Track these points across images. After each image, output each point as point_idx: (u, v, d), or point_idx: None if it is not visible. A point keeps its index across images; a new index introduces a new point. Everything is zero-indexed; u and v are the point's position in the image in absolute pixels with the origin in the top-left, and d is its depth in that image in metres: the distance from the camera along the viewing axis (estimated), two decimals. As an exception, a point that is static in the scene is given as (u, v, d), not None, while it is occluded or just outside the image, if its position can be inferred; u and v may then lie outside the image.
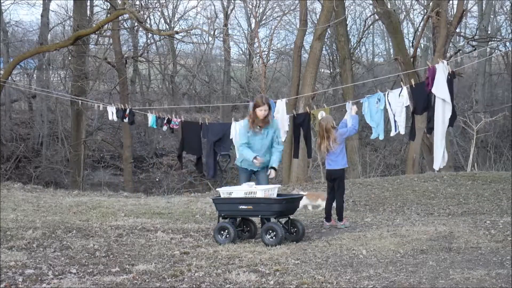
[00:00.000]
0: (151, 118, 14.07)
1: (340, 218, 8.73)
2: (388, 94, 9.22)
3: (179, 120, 13.07)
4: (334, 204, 8.81)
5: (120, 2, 17.42)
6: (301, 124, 10.52)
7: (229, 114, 29.22)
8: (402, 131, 9.20)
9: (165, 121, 13.83)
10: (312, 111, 10.52)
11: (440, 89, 8.29)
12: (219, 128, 11.10)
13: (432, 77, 8.42)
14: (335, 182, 8.81)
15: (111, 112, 14.84)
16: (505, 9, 29.99)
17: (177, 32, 21.41)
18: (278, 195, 7.86)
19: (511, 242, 7.04)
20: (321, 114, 10.13)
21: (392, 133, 9.46)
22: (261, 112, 8.01)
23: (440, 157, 8.44)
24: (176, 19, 31.11)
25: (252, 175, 8.33)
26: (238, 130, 10.46)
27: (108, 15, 21.94)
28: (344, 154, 8.77)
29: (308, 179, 17.08)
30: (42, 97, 26.16)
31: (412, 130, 9.65)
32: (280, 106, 11.04)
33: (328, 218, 8.82)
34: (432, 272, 5.79)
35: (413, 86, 8.94)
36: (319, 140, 8.72)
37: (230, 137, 10.94)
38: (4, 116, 26.18)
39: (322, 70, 29.58)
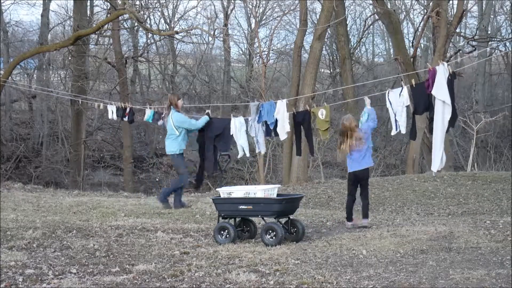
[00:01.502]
0: (148, 113, 14.08)
1: (366, 216, 8.76)
2: (389, 93, 9.21)
3: None
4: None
5: (120, 2, 17.40)
6: (301, 122, 10.48)
7: (229, 114, 29.19)
8: (403, 131, 9.20)
9: (162, 115, 13.85)
10: (312, 109, 10.49)
11: (440, 91, 8.27)
12: (219, 123, 11.09)
13: (432, 79, 8.40)
14: (361, 183, 8.87)
15: (111, 111, 14.84)
16: (505, 9, 30.02)
17: (177, 32, 21.37)
18: (277, 195, 7.87)
19: (511, 242, 7.04)
20: (321, 112, 10.10)
21: (393, 133, 9.45)
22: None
23: (438, 159, 8.41)
24: (176, 19, 31.09)
25: None
26: (237, 125, 10.54)
27: (108, 15, 21.92)
28: (370, 152, 8.84)
29: (308, 179, 17.08)
30: (42, 97, 26.16)
31: (413, 129, 9.64)
32: (281, 106, 11.01)
33: (349, 218, 8.79)
34: (432, 272, 5.80)
35: (413, 86, 8.92)
36: (340, 140, 8.71)
37: (231, 133, 10.95)
38: (4, 116, 26.18)
39: (322, 70, 29.58)
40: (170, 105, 10.42)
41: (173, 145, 10.35)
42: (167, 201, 10.55)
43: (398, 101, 9.04)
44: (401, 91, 9.00)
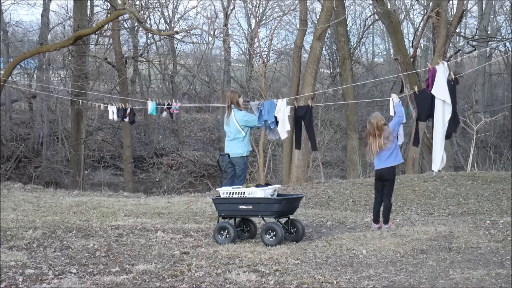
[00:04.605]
0: (151, 105, 14.10)
1: (386, 221, 8.41)
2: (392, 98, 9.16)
3: (179, 104, 13.13)
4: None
5: (120, 2, 17.40)
6: (302, 117, 10.44)
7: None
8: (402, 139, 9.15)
9: (165, 107, 13.88)
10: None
11: (440, 90, 8.27)
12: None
13: (432, 78, 8.40)
14: (387, 182, 8.55)
15: (112, 112, 14.85)
16: (505, 9, 30.01)
17: (177, 32, 21.39)
18: (278, 195, 7.87)
19: (511, 242, 7.04)
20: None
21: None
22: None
23: (439, 158, 8.39)
24: (176, 19, 31.10)
25: None
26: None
27: (108, 15, 21.92)
28: (398, 149, 8.52)
29: (308, 179, 17.07)
30: (42, 97, 26.16)
31: (416, 136, 9.62)
32: (281, 105, 10.98)
33: (376, 220, 8.47)
34: (432, 272, 5.80)
35: (417, 92, 8.88)
36: (370, 140, 8.35)
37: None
38: (4, 116, 26.18)
39: (322, 70, 29.58)
40: (231, 104, 9.34)
41: (240, 146, 9.20)
42: None
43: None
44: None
